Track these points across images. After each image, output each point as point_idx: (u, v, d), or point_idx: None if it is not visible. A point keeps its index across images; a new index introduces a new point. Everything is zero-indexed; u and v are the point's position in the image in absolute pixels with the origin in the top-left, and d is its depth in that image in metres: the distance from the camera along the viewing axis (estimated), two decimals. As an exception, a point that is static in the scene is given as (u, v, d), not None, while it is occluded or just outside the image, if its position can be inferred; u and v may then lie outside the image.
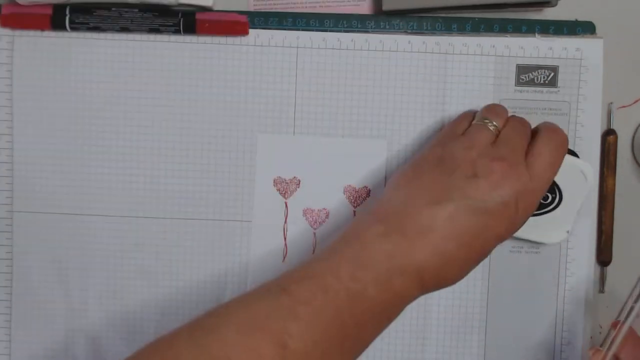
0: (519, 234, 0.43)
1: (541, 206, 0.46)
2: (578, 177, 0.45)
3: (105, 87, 0.48)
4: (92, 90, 0.48)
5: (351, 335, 0.36)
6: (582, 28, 0.47)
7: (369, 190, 0.48)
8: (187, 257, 0.48)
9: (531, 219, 0.41)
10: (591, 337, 0.49)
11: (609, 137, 0.48)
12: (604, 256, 0.49)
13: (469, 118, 0.45)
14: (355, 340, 0.37)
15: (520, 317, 0.49)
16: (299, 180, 0.48)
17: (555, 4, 0.46)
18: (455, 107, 0.47)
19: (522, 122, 0.43)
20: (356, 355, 0.37)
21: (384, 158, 0.48)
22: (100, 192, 0.48)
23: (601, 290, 0.49)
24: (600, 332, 0.50)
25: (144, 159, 0.48)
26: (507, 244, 0.48)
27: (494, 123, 0.42)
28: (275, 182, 0.48)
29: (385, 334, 0.48)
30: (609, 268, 0.49)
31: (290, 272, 0.37)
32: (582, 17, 0.48)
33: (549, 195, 0.46)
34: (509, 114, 0.44)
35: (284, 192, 0.48)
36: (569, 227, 0.46)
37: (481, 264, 0.48)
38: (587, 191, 0.46)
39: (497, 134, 0.42)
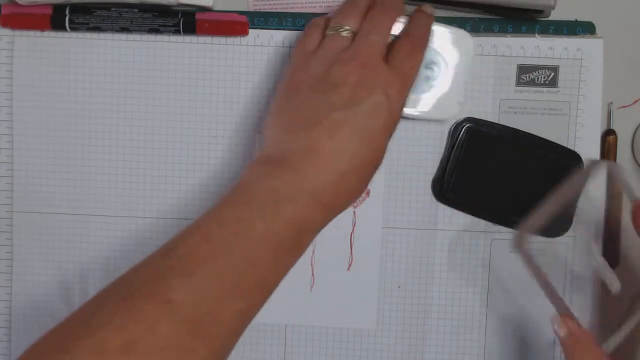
0: (415, 114, 0.45)
1: (429, 80, 0.46)
2: (460, 46, 0.46)
3: (105, 87, 0.48)
4: (92, 90, 0.48)
5: (248, 275, 0.35)
6: (582, 28, 0.47)
7: (369, 190, 0.48)
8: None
9: (424, 96, 0.44)
10: (591, 337, 0.49)
11: (608, 137, 0.48)
12: (611, 258, 0.48)
13: (318, 29, 0.43)
14: (256, 279, 0.36)
15: (520, 317, 0.49)
16: None
17: (549, 15, 0.46)
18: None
19: (384, 11, 0.42)
20: (265, 292, 0.37)
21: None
22: (100, 192, 0.48)
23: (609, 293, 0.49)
24: (600, 332, 0.50)
25: (144, 159, 0.48)
26: (508, 245, 0.48)
27: (347, 27, 0.41)
28: None
29: (384, 333, 0.48)
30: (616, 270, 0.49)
31: (179, 232, 0.37)
32: (582, 17, 0.47)
33: (435, 67, 0.46)
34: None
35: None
36: (460, 99, 0.46)
37: (481, 264, 0.48)
38: (471, 59, 0.46)
39: (354, 36, 0.41)
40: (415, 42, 0.42)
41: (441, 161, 0.48)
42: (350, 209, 0.48)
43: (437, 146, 0.48)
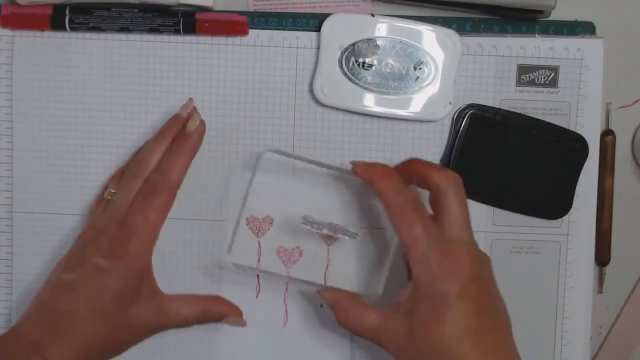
0: (406, 115, 0.46)
1: (419, 81, 0.46)
2: (448, 46, 0.46)
3: (105, 87, 0.48)
4: (92, 90, 0.48)
5: None
6: (582, 28, 0.47)
7: None
8: (188, 256, 0.48)
9: (415, 97, 0.46)
10: (591, 337, 0.49)
11: (606, 137, 0.48)
12: (602, 256, 0.49)
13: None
14: None
15: (520, 318, 0.49)
16: (272, 219, 0.48)
17: (549, 15, 0.46)
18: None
19: (131, 174, 0.44)
20: None
21: (358, 192, 0.48)
22: (100, 192, 0.48)
23: (600, 290, 0.49)
24: (600, 332, 0.50)
25: (144, 159, 0.48)
26: (507, 244, 0.48)
27: (111, 191, 0.45)
28: (248, 221, 0.48)
29: None
30: (608, 268, 0.49)
31: None
32: (582, 17, 0.48)
33: (425, 68, 0.46)
34: None
35: (257, 230, 0.48)
36: (450, 99, 0.47)
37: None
38: (458, 58, 0.46)
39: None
40: (149, 191, 0.43)
41: (445, 148, 0.47)
42: (324, 246, 0.48)
43: (436, 146, 0.48)
